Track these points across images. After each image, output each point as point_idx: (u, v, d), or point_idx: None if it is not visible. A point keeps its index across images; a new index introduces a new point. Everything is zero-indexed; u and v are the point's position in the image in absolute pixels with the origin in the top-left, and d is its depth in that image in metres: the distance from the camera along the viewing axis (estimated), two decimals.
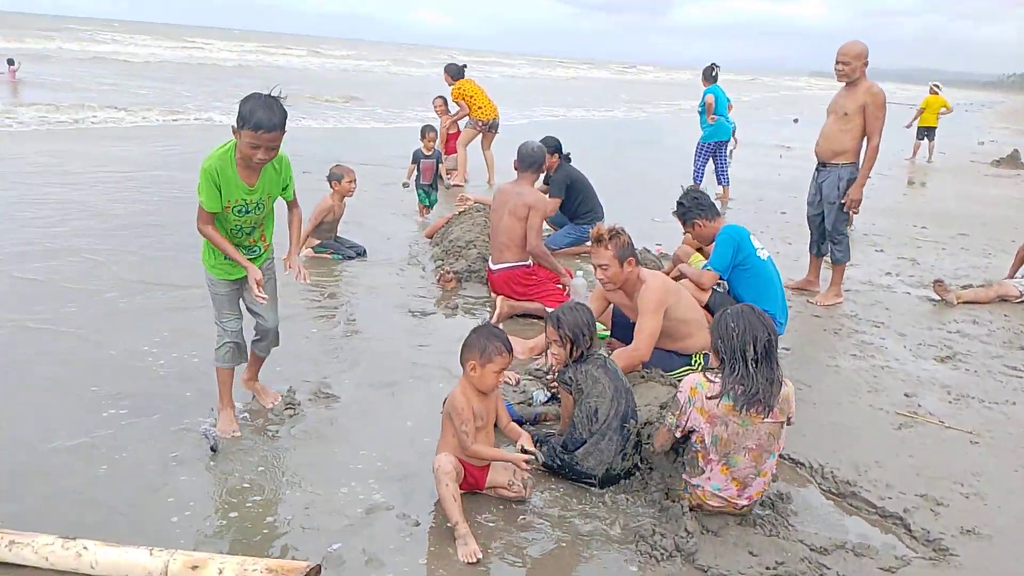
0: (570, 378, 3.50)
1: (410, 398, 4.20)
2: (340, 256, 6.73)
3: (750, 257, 4.90)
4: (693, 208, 5.10)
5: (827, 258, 6.66)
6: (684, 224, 5.18)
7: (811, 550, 3.07)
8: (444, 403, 3.27)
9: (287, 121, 3.29)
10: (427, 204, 8.70)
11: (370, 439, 3.72)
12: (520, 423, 3.87)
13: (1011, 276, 7.16)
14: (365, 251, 6.92)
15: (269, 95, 3.25)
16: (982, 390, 4.82)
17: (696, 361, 4.59)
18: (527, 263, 5.64)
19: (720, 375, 3.20)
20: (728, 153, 12.10)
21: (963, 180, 15.89)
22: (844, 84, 6.24)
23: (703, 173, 11.56)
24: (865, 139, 6.13)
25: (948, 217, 10.86)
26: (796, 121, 32.06)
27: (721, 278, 4.90)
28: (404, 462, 3.54)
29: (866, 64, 6.08)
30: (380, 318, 5.38)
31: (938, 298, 6.71)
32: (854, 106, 6.10)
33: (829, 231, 6.39)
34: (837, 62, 6.07)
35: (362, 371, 4.48)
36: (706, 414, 3.21)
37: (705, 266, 4.95)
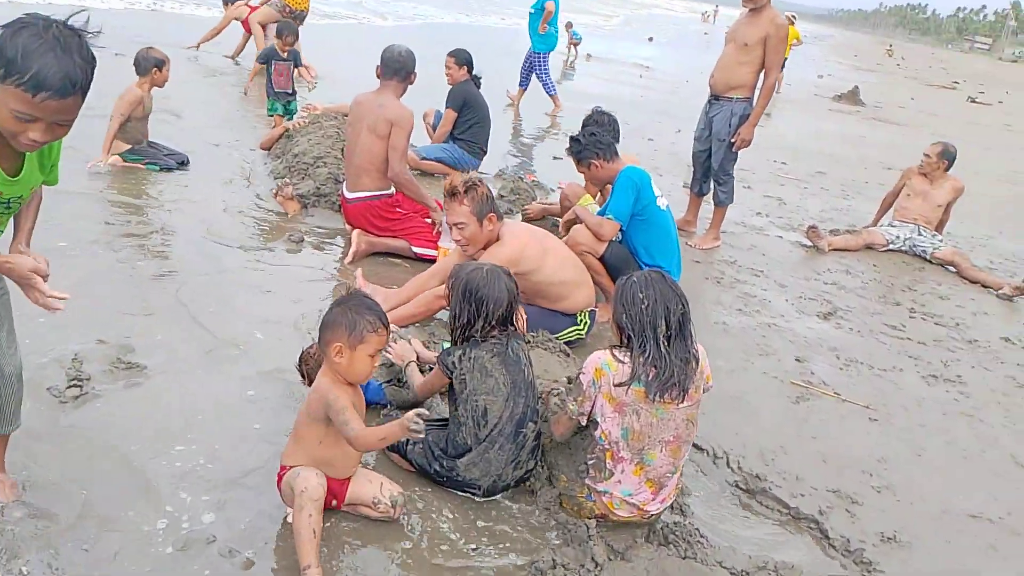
0: (453, 364, 2.78)
1: (246, 366, 3.32)
2: (157, 166, 5.51)
3: (650, 206, 4.30)
4: (590, 146, 4.39)
5: (708, 198, 6.27)
6: (578, 164, 4.48)
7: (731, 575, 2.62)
8: (307, 399, 2.47)
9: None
10: (285, 115, 7.11)
11: (188, 429, 2.86)
12: (384, 405, 3.15)
13: (875, 223, 7.15)
14: (187, 160, 5.74)
15: (64, 26, 1.74)
16: (868, 354, 4.61)
17: (581, 320, 4.03)
18: (389, 192, 4.76)
19: (628, 355, 2.65)
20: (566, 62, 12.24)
21: (810, 114, 16.28)
22: (747, 11, 5.70)
23: (552, 85, 11.12)
24: (762, 73, 5.67)
25: (804, 153, 10.89)
26: (651, 40, 31.98)
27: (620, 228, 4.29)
28: (234, 464, 2.72)
29: None
30: (203, 253, 4.36)
31: (810, 244, 6.54)
32: (756, 36, 5.60)
33: (715, 170, 5.96)
34: None
35: (179, 329, 3.53)
36: (614, 402, 2.66)
37: (602, 212, 4.31)
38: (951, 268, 6.55)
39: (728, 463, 3.27)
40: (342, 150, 5.54)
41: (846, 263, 6.29)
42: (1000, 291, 6.06)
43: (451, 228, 3.65)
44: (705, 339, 4.36)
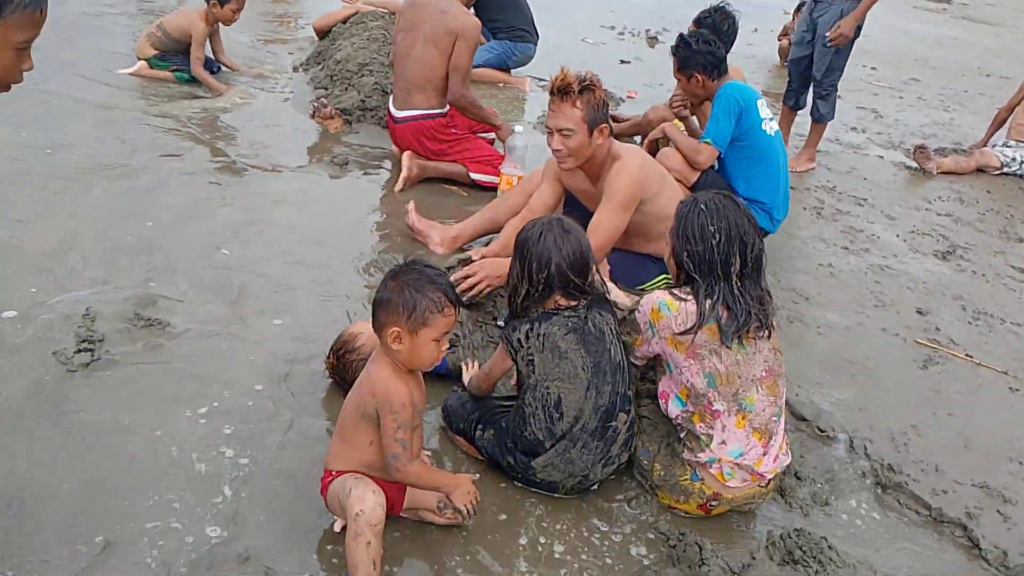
0: (519, 342, 2.24)
1: (290, 325, 2.84)
2: (187, 75, 4.94)
3: (753, 129, 3.61)
4: (700, 54, 3.64)
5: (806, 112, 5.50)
6: (679, 70, 3.75)
7: None
8: (357, 391, 1.98)
9: None
10: None
11: (220, 407, 2.41)
12: (448, 377, 2.65)
13: (985, 143, 6.31)
14: (220, 67, 5.15)
15: None
16: (998, 304, 3.96)
17: None
18: (444, 110, 4.13)
19: (691, 294, 2.20)
20: None
21: (893, 11, 14.80)
22: None
23: None
24: None
25: (894, 58, 9.77)
26: None
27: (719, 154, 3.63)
28: (277, 450, 2.28)
29: None
30: (234, 178, 3.85)
31: (916, 165, 5.77)
32: None
33: (817, 80, 5.17)
34: None
35: (209, 275, 3.05)
36: (683, 347, 2.19)
37: (703, 137, 3.64)
38: None
39: (853, 447, 2.74)
40: (389, 56, 4.90)
41: (958, 189, 5.52)
42: None
43: (550, 135, 2.99)
44: (810, 286, 3.81)
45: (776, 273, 3.83)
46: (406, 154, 4.11)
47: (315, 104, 4.55)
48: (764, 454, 2.25)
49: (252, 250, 3.26)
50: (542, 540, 2.15)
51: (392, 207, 3.85)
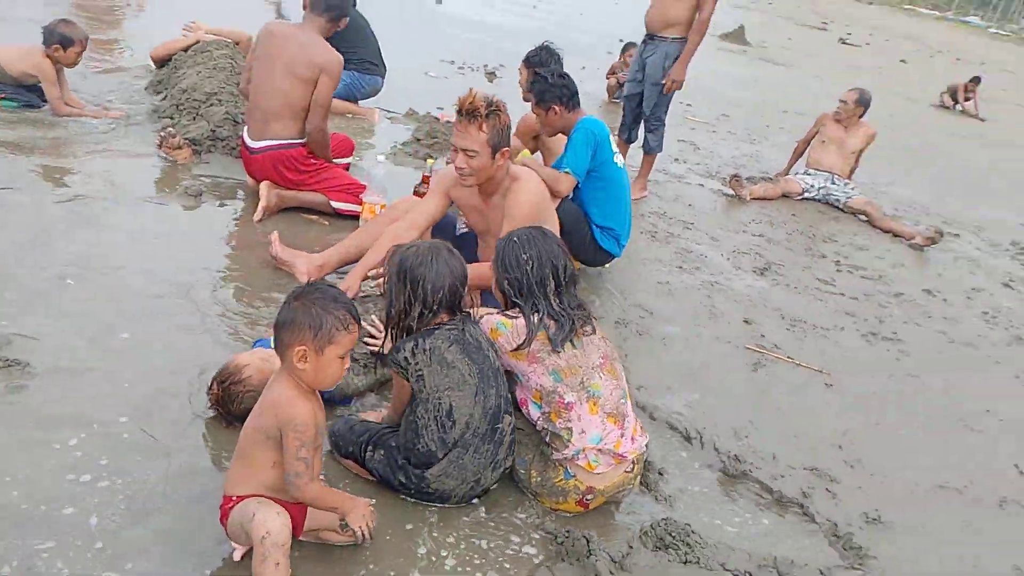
0: (405, 360, 2.35)
1: (157, 358, 2.77)
2: (15, 103, 4.61)
3: (607, 162, 3.94)
4: (557, 87, 3.91)
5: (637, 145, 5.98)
6: (537, 104, 3.99)
7: None
8: (259, 413, 2.00)
9: None
10: None
11: (92, 443, 2.32)
12: (333, 402, 2.71)
13: (787, 172, 7.13)
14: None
15: None
16: (809, 312, 4.53)
17: None
18: (302, 140, 4.16)
19: (520, 313, 2.50)
20: None
21: (700, 53, 16.26)
22: None
23: None
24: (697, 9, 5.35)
25: (705, 95, 10.77)
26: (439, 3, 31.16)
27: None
28: (161, 483, 2.23)
29: None
30: (89, 209, 3.67)
31: (732, 193, 6.43)
32: None
33: (646, 115, 5.65)
34: None
35: (64, 312, 2.91)
36: (523, 356, 2.46)
37: (559, 166, 3.91)
38: (862, 217, 6.62)
39: (702, 443, 3.06)
40: (234, 85, 4.84)
41: (767, 213, 6.22)
42: (912, 241, 6.18)
43: (454, 153, 3.12)
44: (652, 302, 4.17)
45: (623, 292, 4.18)
46: (264, 184, 4.09)
47: (162, 134, 4.40)
48: (621, 436, 2.49)
49: (108, 283, 3.14)
50: (441, 552, 2.26)
51: (252, 237, 3.82)
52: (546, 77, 3.96)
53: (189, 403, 2.57)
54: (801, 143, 7.12)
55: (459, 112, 3.08)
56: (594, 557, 2.27)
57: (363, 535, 2.08)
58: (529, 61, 4.62)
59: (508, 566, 2.27)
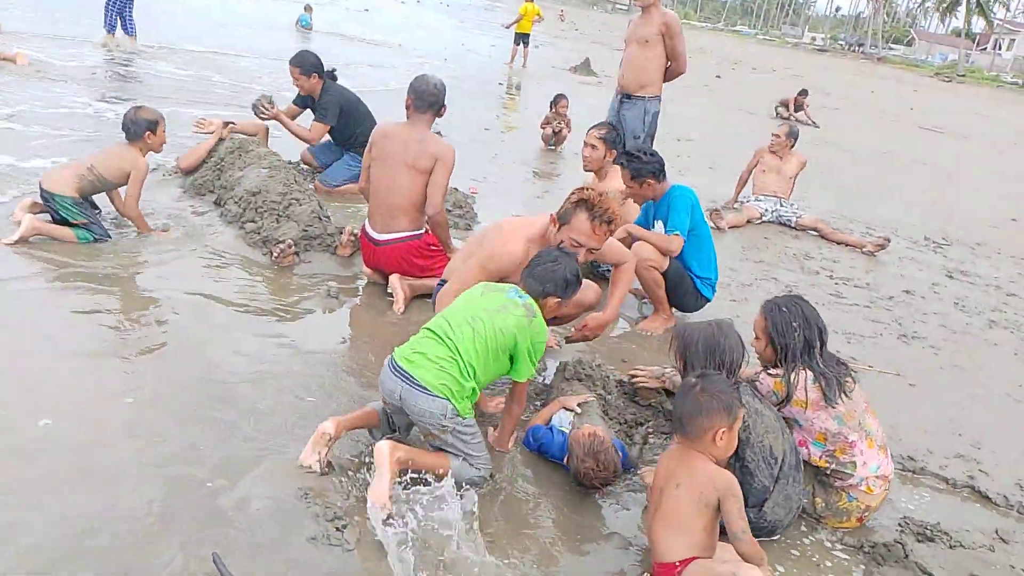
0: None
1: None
2: (92, 236, 4.41)
3: (700, 221, 4.55)
4: (650, 164, 4.46)
5: None
6: (634, 179, 4.51)
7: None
8: (690, 486, 2.37)
9: None
10: None
11: None
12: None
13: (735, 200, 8.04)
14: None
15: None
16: (845, 323, 5.31)
17: None
18: (423, 231, 4.41)
19: (784, 374, 2.96)
20: None
21: (567, 85, 17.34)
22: (640, 10, 6.23)
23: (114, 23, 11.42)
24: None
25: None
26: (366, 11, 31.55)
27: None
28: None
29: None
30: (223, 334, 3.71)
31: (713, 225, 7.20)
32: (653, 32, 6.05)
33: None
34: None
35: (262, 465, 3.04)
36: (805, 404, 2.95)
37: (671, 231, 4.43)
38: (813, 232, 7.63)
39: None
40: (288, 182, 4.92)
41: (748, 239, 7.05)
42: (864, 249, 7.24)
43: (578, 247, 3.33)
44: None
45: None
46: (394, 277, 4.31)
47: (281, 247, 4.43)
48: (887, 463, 3.05)
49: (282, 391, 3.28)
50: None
51: (403, 328, 4.03)
52: (640, 156, 4.50)
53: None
54: (744, 173, 8.08)
55: (595, 216, 3.28)
56: (911, 557, 2.80)
57: None
58: (607, 140, 5.12)
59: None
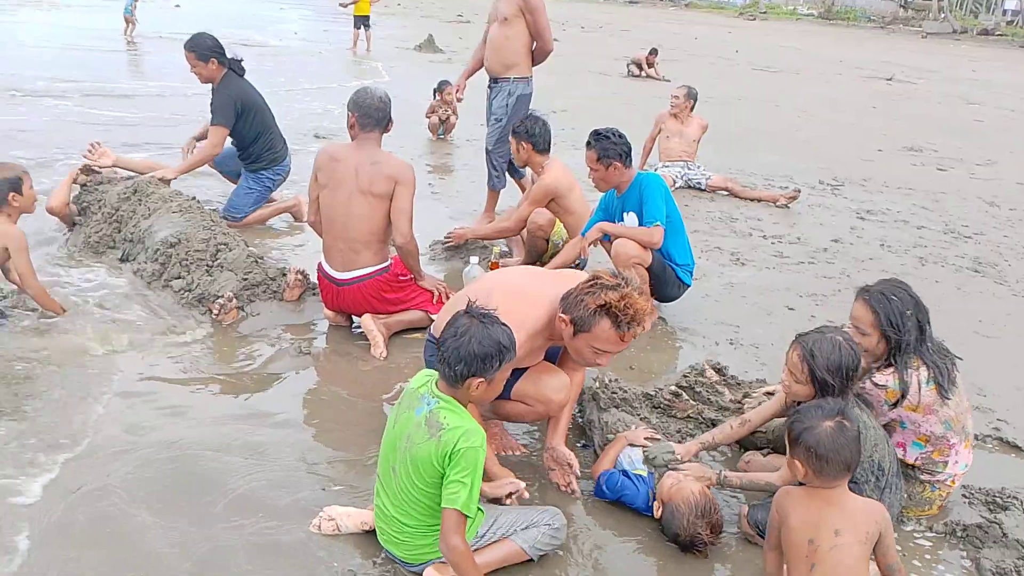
0: None
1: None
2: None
3: (674, 208, 4.34)
4: (618, 146, 4.22)
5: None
6: (597, 159, 4.25)
7: None
8: (853, 531, 2.15)
9: None
10: None
11: None
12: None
13: (642, 167, 7.95)
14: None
15: None
16: (818, 286, 5.31)
17: None
18: (389, 263, 3.92)
19: (894, 368, 2.78)
20: None
21: (418, 65, 16.75)
22: None
23: None
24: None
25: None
26: (178, 7, 29.32)
27: None
28: None
29: None
30: (186, 428, 3.16)
31: None
32: (512, 8, 5.45)
33: (489, 151, 5.77)
34: None
35: None
36: (916, 408, 2.82)
37: (650, 222, 4.17)
38: (723, 192, 7.67)
39: None
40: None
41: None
42: (778, 203, 7.35)
43: (600, 354, 2.76)
44: (716, 311, 4.61)
45: (675, 315, 4.60)
46: (366, 318, 3.85)
47: (220, 303, 3.82)
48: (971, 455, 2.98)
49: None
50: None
51: (389, 374, 3.60)
52: (609, 136, 4.22)
53: None
54: (648, 141, 8.00)
55: (621, 324, 2.64)
56: (1007, 537, 2.74)
57: None
58: (517, 133, 4.79)
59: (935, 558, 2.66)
